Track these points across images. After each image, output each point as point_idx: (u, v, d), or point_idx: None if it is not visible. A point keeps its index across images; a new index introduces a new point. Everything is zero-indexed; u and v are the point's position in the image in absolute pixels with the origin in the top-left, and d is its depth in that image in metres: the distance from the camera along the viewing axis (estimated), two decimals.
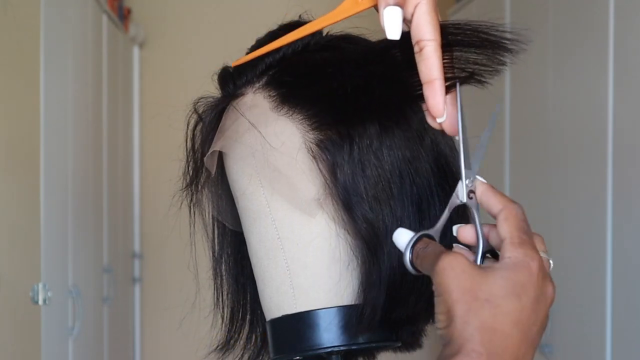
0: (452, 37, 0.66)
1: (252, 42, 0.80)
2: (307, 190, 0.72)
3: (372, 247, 0.71)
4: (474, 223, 0.64)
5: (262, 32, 0.80)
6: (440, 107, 0.63)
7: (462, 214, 0.67)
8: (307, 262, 0.72)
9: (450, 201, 0.65)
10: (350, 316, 0.71)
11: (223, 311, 0.83)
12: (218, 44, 2.72)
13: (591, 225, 1.99)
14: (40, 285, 2.19)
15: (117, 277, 3.30)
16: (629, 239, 1.85)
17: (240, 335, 0.83)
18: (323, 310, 0.71)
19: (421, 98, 0.67)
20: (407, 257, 0.65)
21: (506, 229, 0.62)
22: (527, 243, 0.61)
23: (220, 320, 0.83)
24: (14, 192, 2.15)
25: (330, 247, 0.72)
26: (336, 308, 0.71)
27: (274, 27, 0.78)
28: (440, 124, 0.64)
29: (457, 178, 0.75)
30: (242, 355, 0.83)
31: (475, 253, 0.63)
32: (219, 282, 0.83)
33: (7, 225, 2.08)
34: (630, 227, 1.84)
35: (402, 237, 0.66)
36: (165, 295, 3.72)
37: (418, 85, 0.67)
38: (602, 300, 1.93)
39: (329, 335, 0.71)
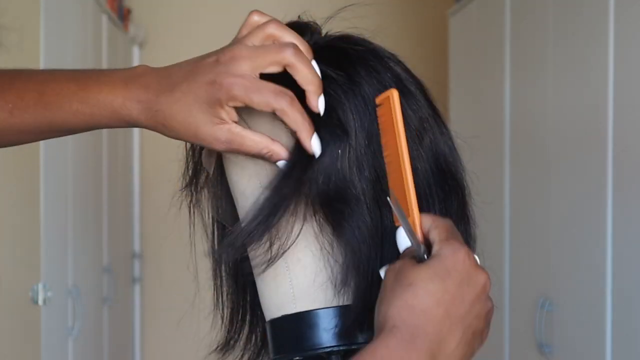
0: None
1: None
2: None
3: (369, 248, 0.71)
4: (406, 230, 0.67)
5: None
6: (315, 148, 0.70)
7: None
8: (307, 262, 0.72)
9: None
10: (350, 316, 0.71)
11: (223, 311, 0.83)
12: (218, 44, 2.72)
13: (591, 225, 1.99)
14: (40, 285, 2.19)
15: (117, 277, 3.31)
16: (629, 239, 1.85)
17: (240, 335, 0.83)
18: (323, 310, 0.71)
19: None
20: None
21: (435, 234, 0.66)
22: (454, 239, 0.65)
23: (220, 321, 0.83)
24: (14, 192, 2.15)
25: (328, 249, 0.72)
26: (336, 308, 0.71)
27: None
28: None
29: (456, 178, 0.75)
30: (242, 356, 0.83)
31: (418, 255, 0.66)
32: (218, 283, 0.83)
33: (7, 225, 2.08)
34: (630, 227, 1.84)
35: (401, 241, 0.68)
36: (165, 295, 3.72)
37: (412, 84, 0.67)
38: (602, 300, 1.93)
39: (329, 335, 0.71)
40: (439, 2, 3.64)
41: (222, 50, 0.70)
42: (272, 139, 0.71)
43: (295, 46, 0.70)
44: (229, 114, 0.69)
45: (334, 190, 0.71)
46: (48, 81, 0.74)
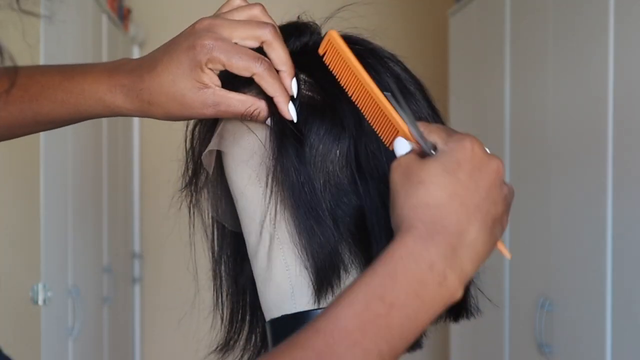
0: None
1: None
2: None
3: (371, 247, 0.71)
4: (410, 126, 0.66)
5: None
6: (289, 115, 0.71)
7: None
8: (306, 262, 0.72)
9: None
10: None
11: (223, 312, 0.83)
12: None
13: (591, 225, 1.99)
14: (40, 285, 2.19)
15: (117, 277, 3.30)
16: (629, 239, 1.85)
17: (240, 335, 0.83)
18: (322, 309, 0.71)
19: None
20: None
21: (435, 135, 0.64)
22: (458, 134, 0.64)
23: (219, 321, 0.83)
24: (14, 192, 2.15)
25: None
26: None
27: None
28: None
29: None
30: (242, 356, 0.83)
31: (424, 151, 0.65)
32: (218, 283, 0.83)
33: (7, 225, 2.08)
34: (631, 227, 1.84)
35: (399, 148, 0.66)
36: (165, 295, 3.72)
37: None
38: (602, 300, 1.93)
39: None
40: (439, 2, 3.64)
41: (199, 20, 0.72)
42: (259, 98, 0.72)
43: (274, 27, 0.71)
44: (211, 78, 0.70)
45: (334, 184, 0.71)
46: (34, 74, 0.75)
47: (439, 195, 0.60)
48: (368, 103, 0.68)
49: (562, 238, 2.17)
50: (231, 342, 0.83)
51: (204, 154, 0.77)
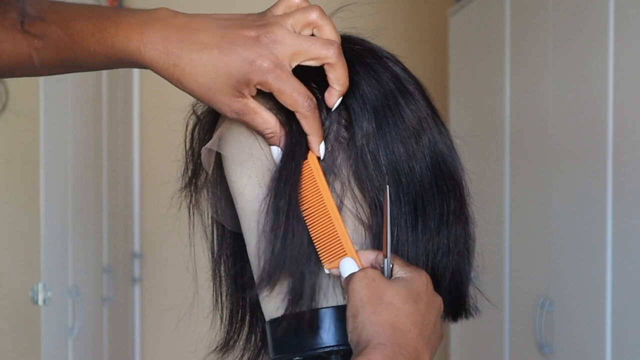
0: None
1: None
2: None
3: (371, 247, 0.71)
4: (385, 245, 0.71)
5: None
6: (321, 153, 0.72)
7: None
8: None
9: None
10: None
11: (222, 312, 0.83)
12: None
13: (591, 225, 1.99)
14: (40, 285, 2.19)
15: (117, 277, 3.30)
16: (629, 239, 1.85)
17: (240, 335, 0.83)
18: (322, 310, 0.71)
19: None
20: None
21: (396, 260, 0.71)
22: (412, 265, 0.71)
23: (219, 321, 0.83)
24: (14, 192, 2.15)
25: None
26: (335, 308, 0.71)
27: None
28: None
29: (455, 178, 0.75)
30: (242, 356, 0.83)
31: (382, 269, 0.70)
32: (218, 283, 0.83)
33: (7, 225, 2.08)
34: (630, 227, 1.84)
35: (345, 268, 0.71)
36: (165, 295, 3.72)
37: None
38: (602, 300, 1.93)
39: (329, 335, 0.71)
40: (439, 2, 3.64)
41: (264, 27, 0.69)
42: (281, 124, 0.71)
43: (339, 46, 0.70)
44: (251, 92, 0.70)
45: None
46: (71, 20, 0.72)
47: (406, 321, 0.67)
48: (322, 219, 0.71)
49: (562, 238, 2.17)
50: (231, 342, 0.83)
51: (202, 154, 0.77)
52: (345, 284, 0.69)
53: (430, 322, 0.69)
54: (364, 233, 0.72)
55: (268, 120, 0.70)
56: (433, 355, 0.70)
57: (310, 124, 0.70)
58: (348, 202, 0.71)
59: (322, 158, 0.71)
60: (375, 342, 0.65)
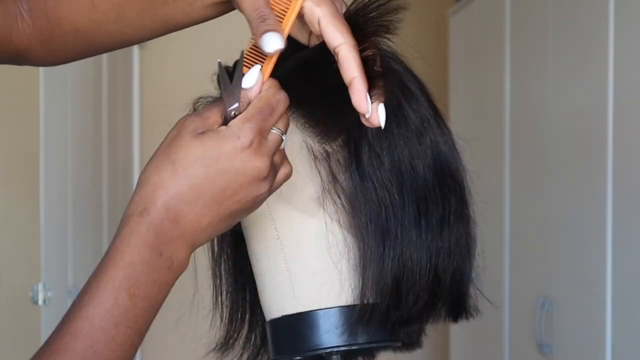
0: (370, 33, 0.68)
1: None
2: (307, 190, 0.72)
3: (371, 247, 0.71)
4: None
5: None
6: (364, 104, 0.64)
7: None
8: (307, 262, 0.72)
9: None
10: (350, 316, 0.71)
11: (222, 311, 0.83)
12: (218, 45, 2.72)
13: (591, 225, 1.99)
14: (40, 285, 2.19)
15: None
16: (629, 239, 1.84)
17: (240, 334, 0.83)
18: (323, 310, 0.71)
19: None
20: None
21: (252, 107, 0.64)
22: (255, 120, 0.63)
23: (219, 320, 0.83)
24: (14, 192, 2.15)
25: (329, 248, 0.72)
26: (336, 308, 0.71)
27: None
28: (368, 119, 0.66)
29: (456, 178, 0.75)
30: (241, 355, 0.83)
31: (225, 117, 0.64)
32: (218, 282, 0.83)
33: (7, 225, 2.08)
34: (630, 227, 1.84)
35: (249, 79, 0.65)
36: None
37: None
38: (602, 300, 1.93)
39: (329, 335, 0.71)
40: (439, 2, 3.64)
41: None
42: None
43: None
44: None
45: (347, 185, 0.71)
46: None
47: (183, 184, 0.61)
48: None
49: (562, 238, 2.17)
50: (230, 341, 0.83)
51: None
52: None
53: (225, 188, 0.62)
54: (342, 234, 0.72)
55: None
56: (235, 216, 0.64)
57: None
58: (330, 205, 0.71)
59: (368, 113, 0.65)
60: (142, 207, 0.61)
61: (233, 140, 0.62)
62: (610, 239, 1.91)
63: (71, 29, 0.75)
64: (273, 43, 0.63)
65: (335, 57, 0.64)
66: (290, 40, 0.68)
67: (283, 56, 0.66)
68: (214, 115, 0.64)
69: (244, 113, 0.63)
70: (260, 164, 0.62)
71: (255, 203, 0.65)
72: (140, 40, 0.76)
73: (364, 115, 0.65)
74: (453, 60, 3.17)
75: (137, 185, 0.63)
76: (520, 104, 2.48)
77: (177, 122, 0.64)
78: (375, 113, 0.65)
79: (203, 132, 0.62)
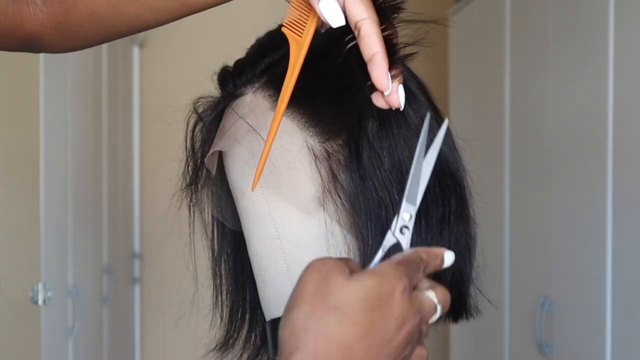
0: (389, 11, 0.65)
1: (252, 42, 0.80)
2: (308, 190, 0.72)
3: (371, 247, 0.71)
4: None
5: (261, 32, 0.80)
6: (384, 80, 0.61)
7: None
8: (307, 262, 0.72)
9: (385, 239, 0.61)
10: None
11: (222, 310, 0.83)
12: (218, 44, 2.72)
13: (591, 225, 1.99)
14: (40, 285, 2.19)
15: (117, 277, 3.30)
16: (629, 239, 1.84)
17: (240, 334, 0.83)
18: None
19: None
20: None
21: (402, 255, 0.58)
22: (405, 267, 0.57)
23: (219, 320, 0.83)
24: (14, 192, 2.15)
25: (330, 248, 0.72)
26: None
27: (274, 27, 0.78)
28: (386, 101, 0.63)
29: (456, 177, 0.75)
30: (241, 355, 0.83)
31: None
32: (218, 282, 0.83)
33: (7, 225, 2.08)
34: (631, 226, 1.84)
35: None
36: (165, 295, 3.72)
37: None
38: (602, 300, 1.93)
39: None
40: (439, 2, 3.64)
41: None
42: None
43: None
44: None
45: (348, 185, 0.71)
46: None
47: (350, 334, 0.53)
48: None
49: (562, 238, 2.17)
50: (230, 341, 0.83)
51: (207, 155, 0.77)
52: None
53: (388, 337, 0.54)
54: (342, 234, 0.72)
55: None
56: None
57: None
58: (330, 205, 0.71)
59: (388, 90, 0.62)
60: (299, 356, 0.52)
61: (392, 284, 0.54)
62: (610, 239, 1.91)
63: (86, 12, 0.73)
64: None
65: (356, 32, 0.61)
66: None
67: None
68: (352, 259, 0.59)
69: (395, 259, 0.57)
70: (411, 314, 0.55)
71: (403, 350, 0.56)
72: (158, 23, 0.74)
73: (381, 95, 0.62)
74: (453, 60, 3.17)
75: (285, 334, 0.54)
76: (520, 104, 2.48)
77: (310, 266, 0.56)
78: (395, 92, 0.63)
79: (354, 273, 0.55)
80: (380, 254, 0.61)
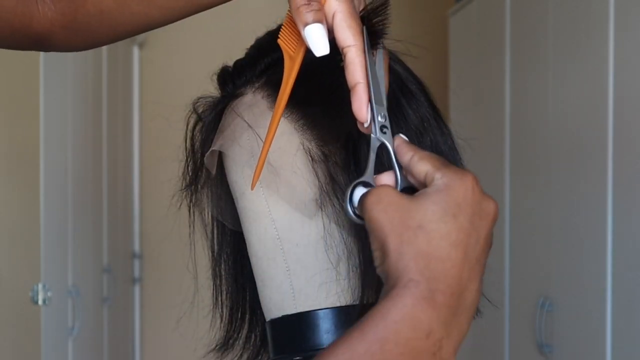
0: (374, 37, 0.66)
1: (252, 42, 0.80)
2: (306, 191, 0.72)
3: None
4: (390, 156, 0.62)
5: (261, 32, 0.80)
6: (363, 112, 0.61)
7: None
8: (307, 262, 0.72)
9: (371, 143, 0.63)
10: (351, 316, 0.71)
11: (222, 311, 0.83)
12: (217, 44, 2.72)
13: (591, 225, 1.99)
14: (40, 286, 2.19)
15: (117, 277, 3.31)
16: (629, 239, 1.84)
17: (240, 334, 0.83)
18: (323, 310, 0.71)
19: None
20: (349, 209, 0.61)
21: (426, 163, 0.58)
22: (453, 166, 0.57)
23: (219, 320, 0.83)
24: (14, 192, 2.15)
25: (328, 249, 0.72)
26: (336, 309, 0.71)
27: (273, 26, 0.78)
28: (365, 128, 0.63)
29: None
30: (241, 355, 0.83)
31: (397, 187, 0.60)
32: (218, 282, 0.83)
33: (7, 225, 2.08)
34: (630, 227, 1.84)
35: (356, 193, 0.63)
36: (165, 295, 3.72)
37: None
38: (602, 300, 1.93)
39: (329, 335, 0.71)
40: (439, 2, 3.64)
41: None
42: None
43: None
44: None
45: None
46: None
47: (443, 246, 0.54)
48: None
49: (562, 238, 2.17)
50: (230, 341, 0.83)
51: (206, 155, 0.77)
52: (362, 213, 0.58)
53: (480, 238, 0.55)
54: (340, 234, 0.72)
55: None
56: (481, 277, 0.56)
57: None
58: (328, 207, 0.71)
59: (367, 122, 0.62)
60: (406, 278, 0.53)
61: (459, 186, 0.55)
62: (610, 239, 1.91)
63: (95, 11, 0.73)
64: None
65: (343, 57, 0.63)
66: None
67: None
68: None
69: (429, 165, 0.57)
70: (493, 203, 0.57)
71: (487, 253, 0.57)
72: (165, 22, 0.75)
73: (361, 124, 0.63)
74: (453, 60, 3.17)
75: (385, 267, 0.55)
76: (520, 104, 2.48)
77: (367, 205, 0.56)
78: (371, 125, 0.63)
79: (417, 194, 0.56)
80: (372, 155, 0.62)
